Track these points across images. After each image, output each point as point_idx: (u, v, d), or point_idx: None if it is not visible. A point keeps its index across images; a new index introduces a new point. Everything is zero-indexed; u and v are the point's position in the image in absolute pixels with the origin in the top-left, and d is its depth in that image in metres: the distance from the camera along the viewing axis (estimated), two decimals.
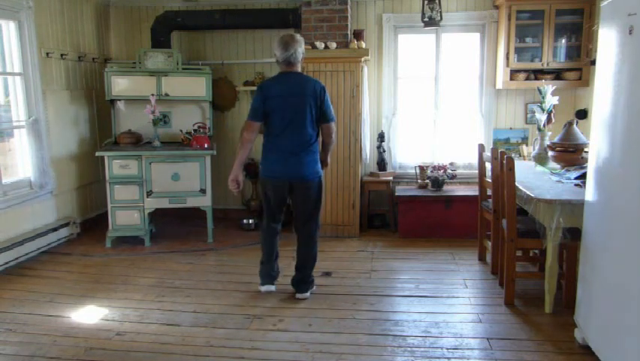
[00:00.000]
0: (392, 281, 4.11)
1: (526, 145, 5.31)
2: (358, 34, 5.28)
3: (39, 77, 4.74)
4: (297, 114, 3.50)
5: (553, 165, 4.19)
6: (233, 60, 5.83)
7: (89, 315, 3.51)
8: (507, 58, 5.11)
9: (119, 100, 5.39)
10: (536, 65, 5.11)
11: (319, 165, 3.70)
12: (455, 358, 2.92)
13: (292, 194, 3.66)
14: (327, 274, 4.28)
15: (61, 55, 5.06)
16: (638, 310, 2.33)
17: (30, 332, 3.27)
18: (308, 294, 3.78)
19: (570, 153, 4.00)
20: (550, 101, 4.51)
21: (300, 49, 3.53)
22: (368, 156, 5.53)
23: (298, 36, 3.57)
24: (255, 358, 2.95)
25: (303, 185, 3.61)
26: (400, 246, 5.02)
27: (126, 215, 5.01)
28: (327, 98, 3.58)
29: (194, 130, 5.27)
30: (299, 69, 3.60)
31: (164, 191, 5.04)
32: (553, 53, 5.05)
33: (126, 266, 4.51)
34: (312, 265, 3.82)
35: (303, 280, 3.78)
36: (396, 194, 5.33)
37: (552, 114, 4.59)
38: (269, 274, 3.88)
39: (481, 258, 4.54)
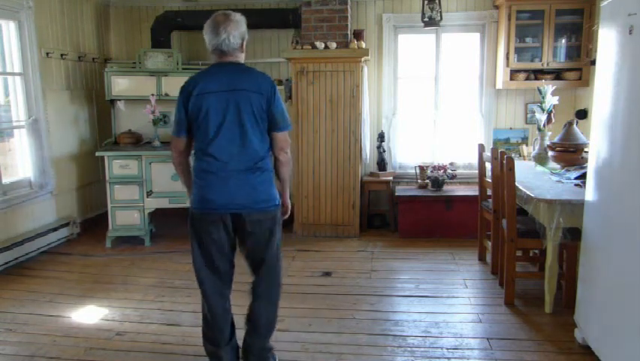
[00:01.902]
0: (392, 281, 4.11)
1: (526, 145, 5.31)
2: (358, 34, 5.28)
3: (39, 77, 4.74)
4: (237, 116, 2.45)
5: (553, 165, 4.19)
6: None
7: (89, 315, 3.51)
8: (507, 58, 5.11)
9: (119, 100, 5.39)
10: (536, 65, 5.11)
11: (275, 188, 2.61)
12: (455, 358, 2.92)
13: (237, 235, 2.59)
14: (327, 274, 4.27)
15: (61, 55, 5.06)
16: (638, 310, 2.33)
17: (30, 332, 3.27)
18: None
19: (570, 153, 4.00)
20: (550, 101, 4.52)
21: (238, 32, 2.50)
22: (368, 156, 5.53)
23: (237, 15, 2.56)
24: None
25: (254, 218, 2.51)
26: (400, 246, 5.02)
27: (126, 215, 5.01)
28: (278, 98, 2.54)
29: None
30: (239, 59, 2.57)
31: (164, 191, 5.04)
32: (553, 53, 5.05)
33: (126, 266, 4.51)
34: (270, 333, 2.76)
35: (253, 352, 2.71)
36: (396, 194, 5.33)
37: (552, 114, 4.59)
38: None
39: (481, 258, 4.54)
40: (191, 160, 2.64)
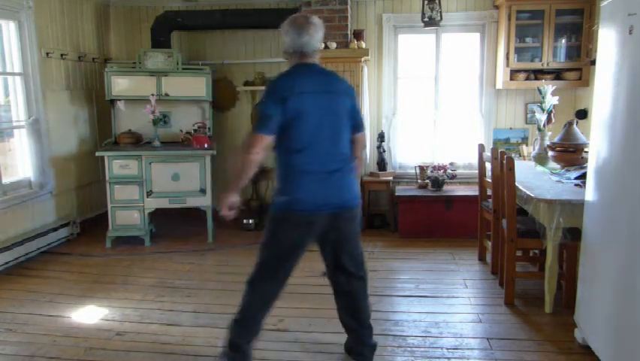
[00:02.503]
0: (392, 281, 4.11)
1: (526, 145, 5.31)
2: (358, 34, 5.28)
3: (39, 77, 4.74)
4: (334, 118, 2.53)
5: (553, 165, 4.19)
6: (233, 60, 5.83)
7: (89, 315, 3.51)
8: (507, 58, 5.11)
9: (119, 100, 5.39)
10: (536, 65, 5.11)
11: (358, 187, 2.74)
12: (455, 358, 2.92)
13: (327, 233, 2.62)
14: (322, 274, 4.26)
15: (61, 55, 5.06)
16: (638, 310, 2.33)
17: (30, 332, 3.27)
18: None
19: (570, 153, 4.00)
20: (550, 101, 4.52)
21: (319, 35, 2.60)
22: (368, 156, 5.53)
23: (316, 18, 2.64)
24: (255, 358, 2.94)
25: (349, 215, 2.60)
26: (400, 246, 5.02)
27: (126, 215, 5.01)
28: (356, 98, 2.71)
29: (194, 130, 5.28)
30: (317, 61, 2.64)
31: (164, 191, 5.04)
32: (553, 53, 5.05)
33: (126, 266, 4.51)
34: (370, 313, 2.88)
35: (366, 342, 2.83)
36: (397, 194, 5.33)
37: (552, 114, 4.59)
38: (247, 349, 2.75)
39: (481, 258, 4.54)
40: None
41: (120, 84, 5.25)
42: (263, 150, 2.48)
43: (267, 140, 2.46)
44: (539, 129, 4.56)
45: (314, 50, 2.59)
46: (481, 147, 4.51)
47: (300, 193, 2.49)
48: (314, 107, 2.48)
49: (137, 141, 5.26)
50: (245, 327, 2.71)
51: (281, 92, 2.45)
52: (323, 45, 2.58)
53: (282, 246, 2.59)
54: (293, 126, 2.46)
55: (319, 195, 2.50)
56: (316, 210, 2.50)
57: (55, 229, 4.94)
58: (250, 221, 5.60)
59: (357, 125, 2.67)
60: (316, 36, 2.58)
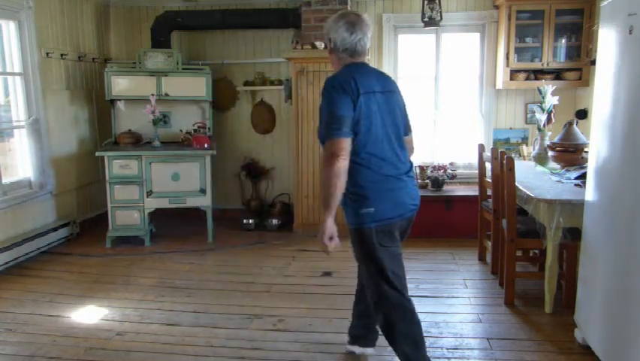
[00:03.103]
0: None
1: (526, 145, 5.31)
2: None
3: (39, 77, 4.74)
4: (395, 117, 2.43)
5: (553, 165, 4.19)
6: (233, 60, 5.83)
7: (89, 315, 3.51)
8: (507, 58, 5.11)
9: (119, 100, 5.39)
10: (536, 65, 5.11)
11: None
12: (455, 358, 2.92)
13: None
14: (328, 274, 4.27)
15: (61, 55, 5.06)
16: (638, 310, 2.33)
17: (30, 332, 3.27)
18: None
19: (570, 153, 4.00)
20: (550, 101, 4.51)
21: (370, 33, 2.49)
22: None
23: (366, 16, 2.52)
24: (255, 358, 2.95)
25: (414, 217, 2.54)
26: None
27: (126, 215, 5.01)
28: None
29: (194, 130, 5.28)
30: (366, 62, 2.57)
31: (164, 191, 5.04)
32: (553, 53, 5.05)
33: (126, 266, 4.51)
34: None
35: (375, 330, 2.89)
36: None
37: (552, 114, 4.58)
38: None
39: (481, 258, 4.54)
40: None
41: (120, 84, 5.25)
42: (349, 154, 2.27)
43: (348, 142, 2.26)
44: (539, 129, 4.56)
45: (364, 51, 2.47)
46: (481, 147, 4.51)
47: (383, 200, 2.35)
48: (381, 108, 2.37)
49: (137, 141, 5.26)
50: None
51: (350, 90, 2.28)
52: (369, 44, 2.52)
53: (391, 258, 2.43)
54: (364, 128, 2.31)
55: (404, 198, 2.41)
56: (404, 214, 2.42)
57: (55, 229, 4.94)
58: (250, 221, 5.60)
59: (408, 126, 2.59)
60: (369, 34, 2.47)
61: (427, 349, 2.99)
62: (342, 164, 2.22)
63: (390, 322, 2.45)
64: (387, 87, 2.45)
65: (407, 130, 2.56)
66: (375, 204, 2.33)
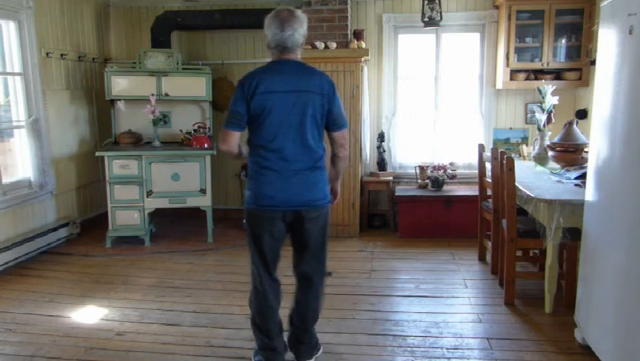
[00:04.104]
0: (392, 281, 4.11)
1: (526, 145, 5.30)
2: (358, 34, 5.28)
3: (39, 77, 4.74)
4: (299, 117, 2.51)
5: (553, 165, 4.19)
6: (233, 60, 5.84)
7: (89, 315, 3.51)
8: (507, 58, 5.11)
9: (119, 100, 5.39)
10: (536, 65, 5.11)
11: (328, 186, 2.71)
12: (455, 358, 2.92)
13: (292, 230, 2.67)
14: (328, 274, 4.26)
15: (61, 55, 5.06)
16: (638, 310, 2.33)
17: (30, 332, 3.27)
18: None
19: (570, 153, 4.00)
20: (550, 101, 4.52)
21: (302, 29, 2.53)
22: (368, 156, 5.53)
23: (300, 12, 2.56)
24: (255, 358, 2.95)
25: (312, 215, 2.60)
26: (400, 246, 5.02)
27: (126, 215, 5.01)
28: (337, 97, 2.61)
29: (194, 130, 5.28)
30: (299, 57, 2.60)
31: (164, 191, 5.04)
32: (553, 53, 5.05)
33: (126, 266, 4.51)
34: (315, 320, 2.86)
35: (303, 341, 2.83)
36: (397, 194, 5.33)
37: (552, 114, 4.59)
38: (276, 350, 2.76)
39: (481, 258, 4.54)
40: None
41: (120, 84, 5.25)
42: (231, 146, 2.58)
43: (234, 136, 2.56)
44: (539, 129, 4.57)
45: (296, 46, 2.54)
46: (481, 147, 4.51)
47: (262, 189, 2.56)
48: (280, 107, 2.49)
49: (137, 141, 5.26)
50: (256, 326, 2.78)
51: (246, 89, 2.50)
52: (303, 40, 2.58)
53: (254, 240, 2.65)
54: (258, 124, 2.53)
55: (281, 192, 2.54)
56: (276, 207, 2.56)
57: (55, 229, 4.94)
58: None
59: (332, 124, 2.61)
60: (300, 30, 2.51)
61: (427, 349, 3.01)
62: (223, 148, 2.59)
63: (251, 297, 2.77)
64: (299, 87, 2.51)
65: (333, 127, 2.61)
66: (251, 189, 2.61)
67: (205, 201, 5.11)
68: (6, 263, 4.31)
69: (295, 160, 2.54)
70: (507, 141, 5.59)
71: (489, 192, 4.23)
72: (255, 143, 2.58)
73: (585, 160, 3.68)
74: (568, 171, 3.89)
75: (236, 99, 2.53)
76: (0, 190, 4.38)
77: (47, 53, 4.86)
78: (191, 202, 5.11)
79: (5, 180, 4.48)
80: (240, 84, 2.54)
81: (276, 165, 2.54)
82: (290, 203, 2.56)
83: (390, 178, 5.55)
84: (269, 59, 2.63)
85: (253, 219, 2.62)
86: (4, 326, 3.34)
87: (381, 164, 5.57)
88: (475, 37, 5.56)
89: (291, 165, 2.54)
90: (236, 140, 2.58)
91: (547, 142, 4.37)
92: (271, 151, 2.54)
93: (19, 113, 4.66)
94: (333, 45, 5.09)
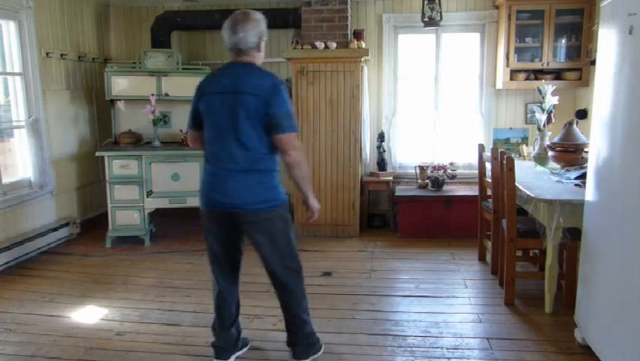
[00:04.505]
0: (392, 281, 4.11)
1: (526, 145, 5.30)
2: (358, 34, 5.28)
3: (39, 77, 4.74)
4: (233, 119, 2.47)
5: (553, 165, 4.19)
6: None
7: (89, 315, 3.51)
8: (507, 58, 5.11)
9: (119, 100, 5.39)
10: (536, 65, 5.11)
11: (278, 189, 2.61)
12: (455, 358, 2.92)
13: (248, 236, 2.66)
14: (327, 274, 4.27)
15: (61, 55, 5.06)
16: (638, 310, 2.33)
17: (30, 332, 3.27)
18: None
19: (570, 153, 4.00)
20: (550, 101, 4.52)
21: (255, 31, 2.50)
22: (368, 156, 5.53)
23: (256, 14, 2.55)
24: (255, 358, 2.96)
25: (248, 219, 2.56)
26: (400, 246, 5.02)
27: (126, 215, 5.01)
28: (280, 100, 2.47)
29: None
30: (255, 59, 2.58)
31: (164, 191, 5.04)
32: (553, 53, 5.05)
33: (126, 266, 4.51)
34: (303, 324, 2.82)
35: (296, 342, 2.84)
36: (397, 194, 5.33)
37: (552, 114, 4.59)
38: (217, 345, 2.85)
39: (481, 258, 4.54)
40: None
41: (120, 84, 5.25)
42: (193, 144, 2.75)
43: (191, 134, 2.72)
44: (539, 129, 4.56)
45: (250, 48, 2.52)
46: (481, 147, 4.51)
47: (204, 189, 2.64)
48: (218, 108, 2.52)
49: (137, 141, 5.26)
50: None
51: (198, 92, 2.61)
52: (258, 41, 2.55)
53: (205, 237, 2.72)
54: (204, 125, 2.60)
55: (217, 193, 2.57)
56: (213, 207, 2.60)
57: (55, 229, 4.94)
58: None
59: (270, 127, 2.48)
60: (252, 32, 2.50)
61: (427, 349, 3.01)
62: (191, 148, 2.73)
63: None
64: (233, 88, 2.48)
65: (273, 131, 2.48)
66: (201, 190, 2.66)
67: None
68: (6, 263, 4.31)
69: (230, 161, 2.52)
70: (507, 141, 5.59)
71: (489, 192, 4.22)
72: (206, 144, 2.64)
73: (585, 160, 3.68)
74: (568, 171, 3.89)
75: (193, 100, 2.64)
76: (0, 190, 4.38)
77: (47, 53, 4.86)
78: (191, 202, 5.10)
79: (5, 180, 4.48)
80: (197, 86, 2.65)
81: (214, 165, 2.57)
82: (224, 205, 2.55)
83: (390, 178, 5.55)
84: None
85: (205, 220, 2.69)
86: (4, 326, 3.34)
87: (381, 164, 5.57)
88: (475, 37, 5.56)
89: (226, 166, 2.53)
90: (192, 138, 2.72)
91: (547, 142, 4.37)
92: (211, 152, 2.58)
93: (19, 113, 4.66)
94: (333, 45, 5.09)
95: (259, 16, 2.56)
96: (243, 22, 2.49)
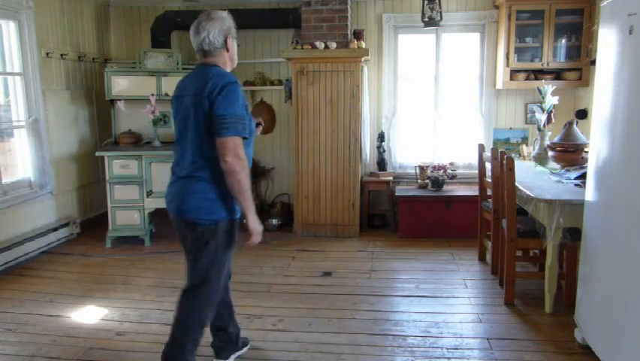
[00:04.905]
0: (392, 281, 4.11)
1: (526, 145, 5.30)
2: (358, 34, 5.28)
3: (39, 77, 4.74)
4: (185, 122, 2.41)
5: (553, 165, 4.19)
6: None
7: (89, 315, 3.51)
8: (507, 58, 5.11)
9: (119, 100, 5.39)
10: (536, 65, 5.11)
11: (218, 204, 2.41)
12: (455, 358, 2.92)
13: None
14: (327, 274, 4.27)
15: (61, 55, 5.06)
16: (638, 310, 2.33)
17: (30, 332, 3.27)
18: None
19: (570, 153, 4.00)
20: (550, 101, 4.52)
21: (218, 29, 2.41)
22: (368, 156, 5.53)
23: (220, 13, 2.46)
24: (255, 358, 2.96)
25: (181, 226, 2.48)
26: (400, 246, 5.02)
27: (126, 215, 5.01)
28: (225, 99, 2.29)
29: None
30: (223, 60, 2.48)
31: (164, 191, 5.02)
32: (553, 53, 5.05)
33: (126, 266, 4.51)
34: (182, 331, 2.52)
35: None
36: (397, 194, 5.33)
37: (552, 114, 4.59)
38: (217, 345, 2.88)
39: (481, 258, 4.54)
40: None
41: (120, 84, 5.24)
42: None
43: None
44: (539, 129, 4.56)
45: (214, 48, 2.42)
46: (481, 147, 4.51)
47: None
48: (175, 112, 2.51)
49: (137, 141, 5.26)
50: None
51: (173, 96, 2.58)
52: (224, 40, 2.45)
53: None
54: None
55: (167, 195, 2.55)
56: (169, 210, 2.55)
57: (55, 229, 4.94)
58: None
59: (215, 129, 2.28)
60: (214, 31, 2.40)
61: (427, 349, 3.01)
62: None
63: None
64: (189, 91, 2.40)
65: (215, 132, 2.29)
66: None
67: None
68: (6, 263, 4.31)
69: (178, 166, 2.48)
70: (507, 141, 5.59)
71: (489, 192, 4.23)
72: None
73: (585, 160, 3.68)
74: (568, 171, 3.89)
75: None
76: (0, 190, 4.38)
77: (47, 53, 4.86)
78: None
79: (5, 180, 4.48)
80: None
81: (172, 170, 2.55)
82: (169, 209, 2.53)
83: (390, 178, 5.55)
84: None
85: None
86: (4, 326, 3.34)
87: (381, 164, 5.57)
88: (475, 37, 5.56)
89: (175, 171, 2.51)
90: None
91: (547, 142, 4.37)
92: (175, 156, 2.56)
93: (19, 113, 4.66)
94: (333, 45, 5.09)
95: (223, 15, 2.46)
96: (206, 22, 2.42)
